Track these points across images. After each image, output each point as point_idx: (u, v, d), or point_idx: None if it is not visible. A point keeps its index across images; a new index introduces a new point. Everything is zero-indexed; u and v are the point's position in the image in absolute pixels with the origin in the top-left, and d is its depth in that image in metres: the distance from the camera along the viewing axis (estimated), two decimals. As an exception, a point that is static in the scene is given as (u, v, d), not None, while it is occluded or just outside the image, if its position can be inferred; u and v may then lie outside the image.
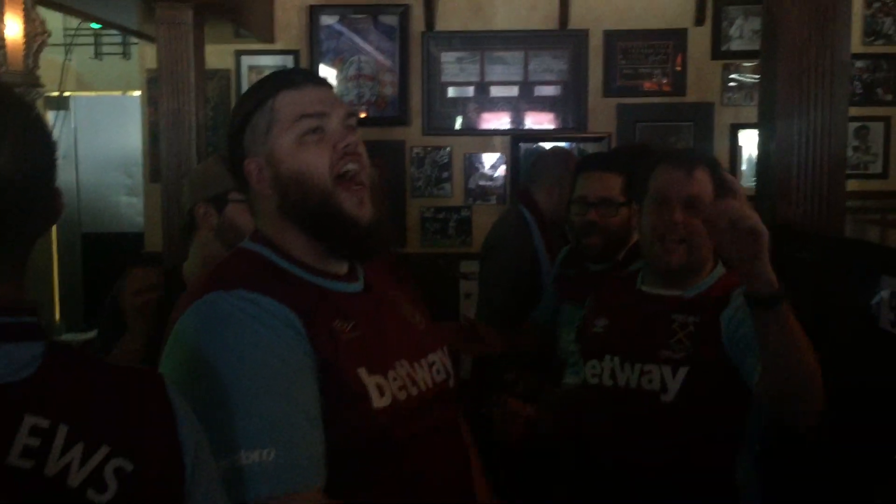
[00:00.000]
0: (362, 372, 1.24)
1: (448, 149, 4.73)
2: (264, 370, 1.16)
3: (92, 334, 4.22)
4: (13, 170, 0.86)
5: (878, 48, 4.60)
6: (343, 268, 1.36)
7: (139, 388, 0.93)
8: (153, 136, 4.58)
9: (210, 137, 4.30)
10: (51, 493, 0.79)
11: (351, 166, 1.29)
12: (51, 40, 2.94)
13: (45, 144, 0.92)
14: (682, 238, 1.79)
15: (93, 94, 6.15)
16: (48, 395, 0.83)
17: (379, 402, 1.24)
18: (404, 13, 4.70)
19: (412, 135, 4.73)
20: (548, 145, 4.66)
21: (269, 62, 4.72)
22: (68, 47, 5.46)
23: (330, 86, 1.38)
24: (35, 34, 2.46)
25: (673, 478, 1.72)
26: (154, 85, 4.38)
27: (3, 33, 2.39)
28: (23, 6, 2.59)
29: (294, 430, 1.14)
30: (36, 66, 2.52)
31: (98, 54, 6.10)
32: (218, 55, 4.57)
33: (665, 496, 1.73)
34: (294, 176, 1.28)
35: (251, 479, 1.08)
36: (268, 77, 1.38)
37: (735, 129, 4.66)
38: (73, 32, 5.41)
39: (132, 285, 1.93)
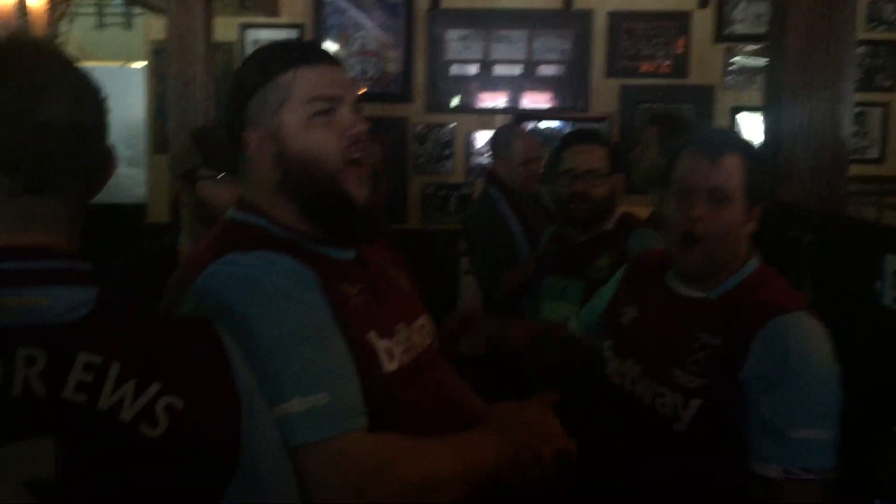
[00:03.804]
0: (372, 336, 1.25)
1: (451, 126, 4.76)
2: (305, 320, 1.16)
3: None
4: (67, 117, 0.89)
5: (879, 34, 4.64)
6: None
7: (192, 332, 0.96)
8: (158, 107, 4.58)
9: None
10: (104, 427, 0.83)
11: (358, 154, 1.29)
12: (53, 10, 2.93)
13: (97, 99, 0.95)
14: (700, 236, 1.60)
15: (94, 63, 6.12)
16: (101, 334, 0.87)
17: (389, 365, 1.25)
18: (410, -10, 4.70)
19: (415, 112, 4.75)
20: (549, 125, 4.72)
21: (274, 36, 4.70)
22: (71, 17, 5.43)
23: (342, 65, 1.34)
24: (57, 3, 2.45)
25: None
26: (160, 56, 4.38)
27: (24, 1, 2.38)
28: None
29: (340, 375, 1.16)
30: (56, 35, 2.51)
31: (100, 24, 6.08)
32: (223, 28, 4.53)
33: None
34: (302, 156, 1.26)
35: (307, 423, 1.09)
36: (281, 48, 1.33)
37: (735, 111, 4.70)
38: (76, 1, 5.39)
39: None
